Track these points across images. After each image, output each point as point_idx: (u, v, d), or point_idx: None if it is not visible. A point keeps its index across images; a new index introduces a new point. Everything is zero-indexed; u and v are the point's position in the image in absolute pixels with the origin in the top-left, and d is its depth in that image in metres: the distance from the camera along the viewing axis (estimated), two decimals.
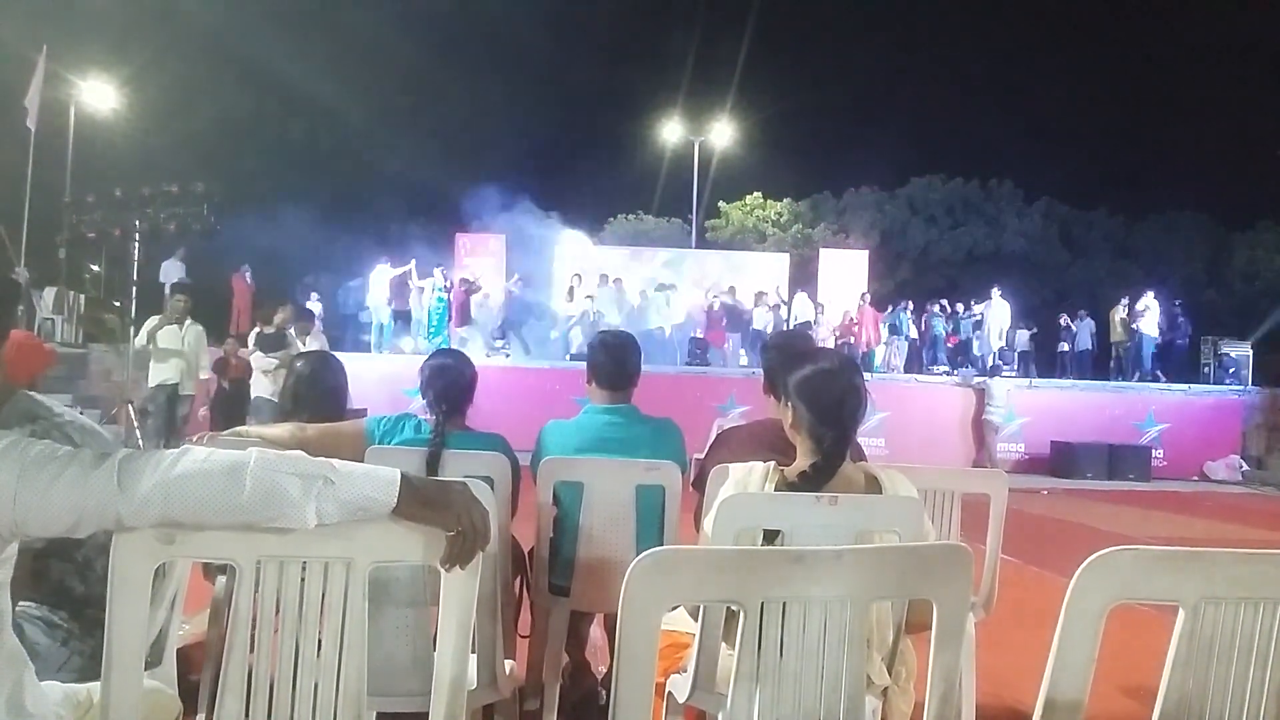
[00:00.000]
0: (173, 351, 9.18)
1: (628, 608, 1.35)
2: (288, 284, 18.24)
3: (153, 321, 9.29)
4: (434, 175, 29.55)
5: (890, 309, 19.37)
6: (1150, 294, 17.95)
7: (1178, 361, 18.12)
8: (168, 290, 16.70)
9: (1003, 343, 17.58)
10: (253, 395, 9.19)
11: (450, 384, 3.01)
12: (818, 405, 2.16)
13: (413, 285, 17.44)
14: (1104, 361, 18.54)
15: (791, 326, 16.67)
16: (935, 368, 17.42)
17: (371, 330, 17.18)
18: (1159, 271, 29.48)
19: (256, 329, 9.63)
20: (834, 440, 2.13)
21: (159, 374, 9.28)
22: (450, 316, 16.96)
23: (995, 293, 17.87)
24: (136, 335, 9.52)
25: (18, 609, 1.92)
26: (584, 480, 2.97)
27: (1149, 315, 17.48)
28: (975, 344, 18.11)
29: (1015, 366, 17.07)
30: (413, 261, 17.76)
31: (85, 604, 1.91)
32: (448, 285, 17.35)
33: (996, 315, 17.58)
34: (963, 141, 36.37)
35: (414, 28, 30.53)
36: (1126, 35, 41.58)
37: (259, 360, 9.20)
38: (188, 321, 9.46)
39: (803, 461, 2.17)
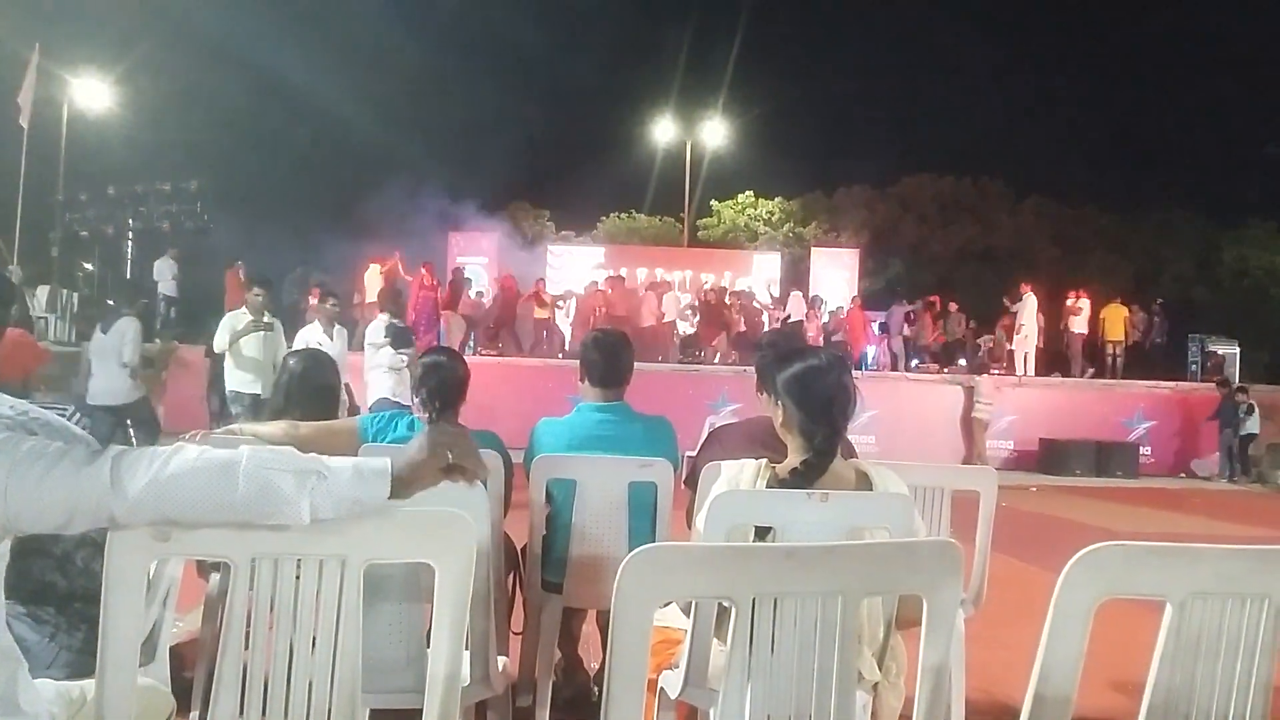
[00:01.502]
0: (257, 360, 7.95)
1: (620, 604, 1.35)
2: (280, 281, 18.17)
3: (237, 324, 7.93)
4: (427, 173, 29.54)
5: (889, 309, 19.37)
6: (1081, 292, 17.87)
7: (1159, 360, 18.15)
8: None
9: (1036, 341, 17.30)
10: (371, 395, 7.94)
11: (443, 382, 3.02)
12: (807, 403, 2.17)
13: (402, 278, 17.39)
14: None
15: (783, 325, 16.64)
16: (921, 366, 17.42)
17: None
18: (1149, 269, 29.61)
19: (387, 320, 8.40)
20: (824, 438, 2.14)
21: (240, 380, 8.02)
22: (438, 314, 16.98)
23: (1027, 290, 17.40)
24: (216, 334, 8.11)
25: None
26: (577, 478, 2.98)
27: (1081, 315, 17.54)
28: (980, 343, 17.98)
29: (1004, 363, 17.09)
30: (397, 254, 17.70)
31: (70, 598, 1.91)
32: (434, 283, 17.36)
33: (1029, 313, 17.33)
34: (954, 139, 36.51)
35: (407, 26, 30.55)
36: (1116, 34, 41.71)
37: (389, 357, 8.00)
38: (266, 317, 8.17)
39: (794, 459, 2.18)
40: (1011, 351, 17.30)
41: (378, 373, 8.00)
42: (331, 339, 8.14)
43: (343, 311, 9.53)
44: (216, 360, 12.16)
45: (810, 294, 19.28)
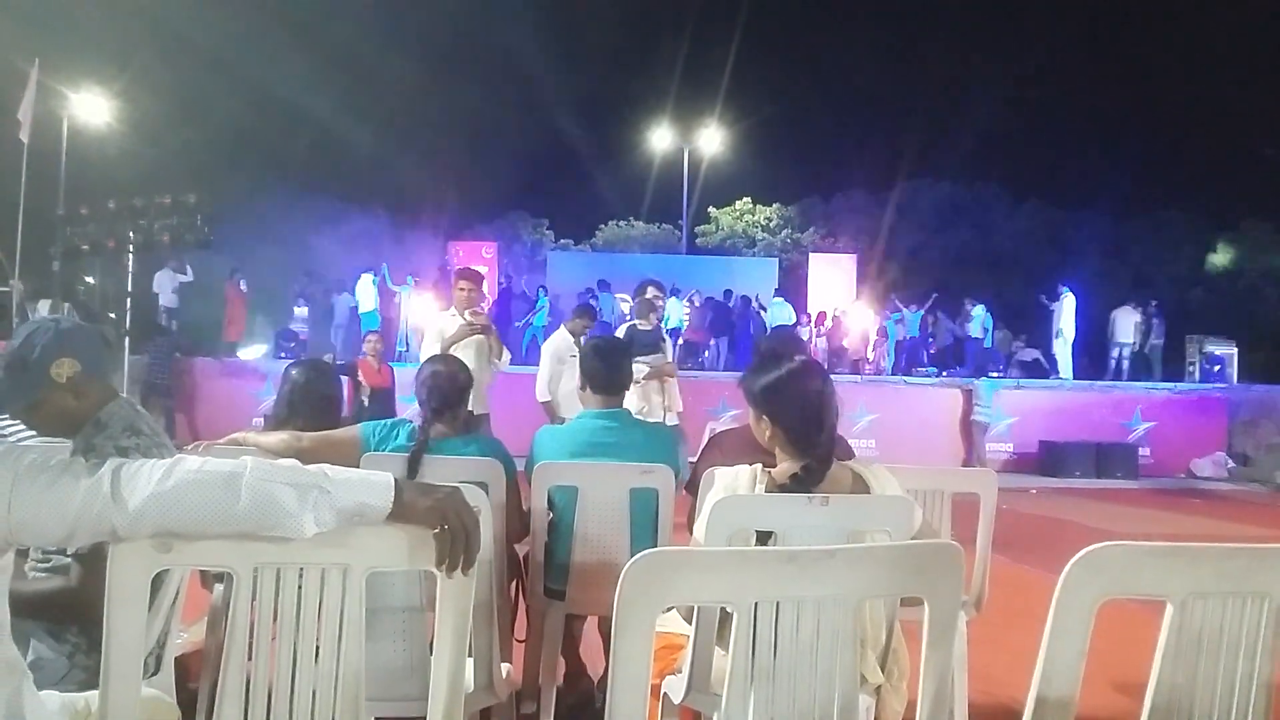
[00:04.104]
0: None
1: (622, 610, 1.36)
2: (282, 292, 18.19)
3: (446, 329, 6.41)
4: (426, 183, 29.58)
5: (889, 312, 19.39)
6: (976, 301, 18.27)
7: (1157, 362, 18.22)
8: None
9: (1068, 343, 17.34)
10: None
11: (450, 390, 3.04)
12: (799, 414, 2.17)
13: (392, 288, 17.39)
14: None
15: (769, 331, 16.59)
16: (919, 369, 17.44)
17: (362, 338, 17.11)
18: (1146, 271, 29.61)
19: (633, 323, 7.05)
20: (823, 444, 2.15)
21: None
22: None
23: (1065, 290, 17.40)
24: (424, 339, 6.73)
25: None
26: (578, 484, 2.98)
27: (975, 319, 17.91)
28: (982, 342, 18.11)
29: (1003, 367, 17.09)
30: (385, 266, 17.71)
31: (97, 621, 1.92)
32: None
33: (1067, 313, 17.31)
34: (950, 144, 36.41)
35: (405, 38, 30.57)
36: (1112, 37, 41.78)
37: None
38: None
39: (791, 465, 2.19)
40: (1037, 355, 17.45)
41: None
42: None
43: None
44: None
45: (807, 300, 19.29)
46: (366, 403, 9.21)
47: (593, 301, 15.06)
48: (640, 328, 6.86)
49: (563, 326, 7.33)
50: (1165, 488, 13.35)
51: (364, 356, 10.07)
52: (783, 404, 2.18)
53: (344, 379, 9.24)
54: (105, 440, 1.92)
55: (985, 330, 17.97)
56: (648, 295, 7.11)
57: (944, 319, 18.79)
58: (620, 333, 7.03)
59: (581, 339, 6.94)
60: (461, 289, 6.41)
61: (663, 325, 7.26)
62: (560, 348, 7.03)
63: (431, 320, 6.72)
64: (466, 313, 6.31)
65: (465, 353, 6.13)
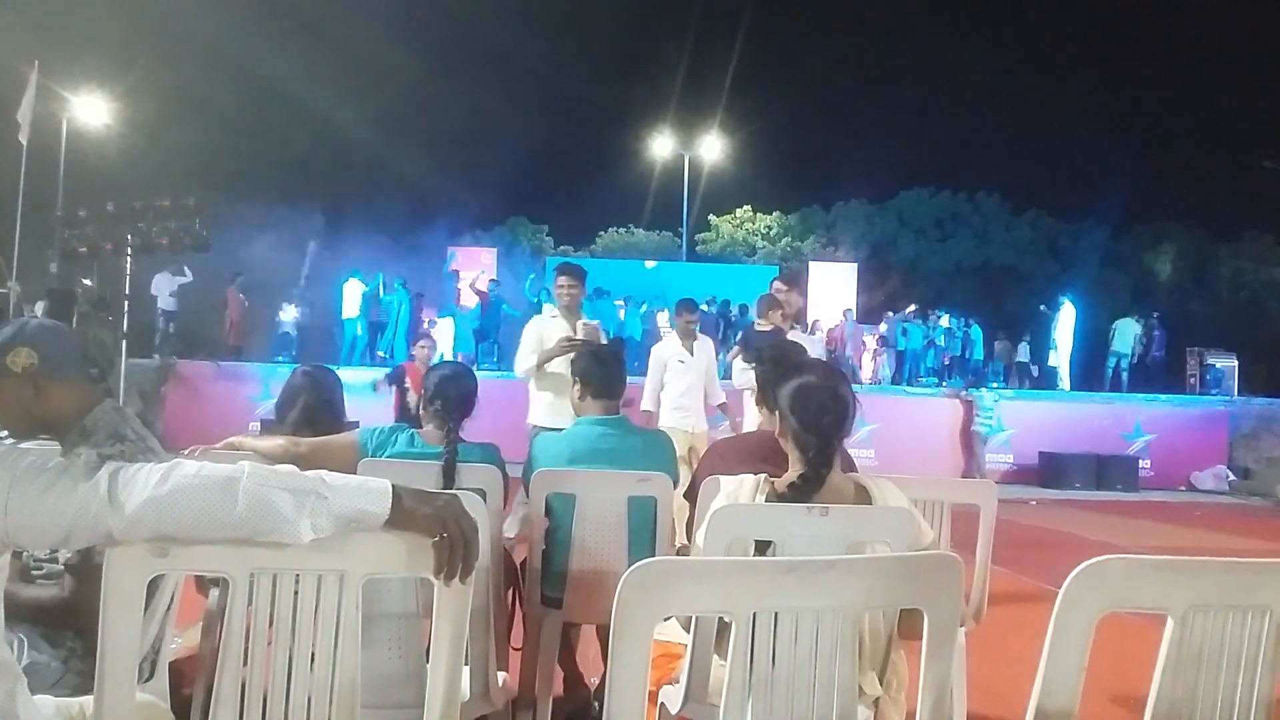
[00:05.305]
0: (564, 378, 4.83)
1: (620, 619, 1.35)
2: (281, 296, 18.22)
3: (547, 336, 5.36)
4: (426, 188, 29.63)
5: (885, 320, 19.45)
6: (941, 311, 19.09)
7: (1158, 373, 18.29)
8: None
9: (1063, 354, 17.53)
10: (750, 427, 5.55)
11: (460, 394, 3.03)
12: (804, 415, 2.18)
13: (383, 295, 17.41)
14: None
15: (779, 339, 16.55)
16: (920, 378, 17.48)
17: (344, 342, 17.12)
18: (1146, 282, 29.67)
19: (754, 322, 6.21)
20: (818, 449, 2.15)
21: (540, 410, 5.42)
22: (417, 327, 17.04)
23: (1064, 300, 17.66)
24: (520, 348, 5.58)
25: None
26: (576, 492, 2.97)
27: (939, 330, 18.65)
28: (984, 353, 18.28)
29: (1004, 378, 17.15)
30: (379, 276, 17.75)
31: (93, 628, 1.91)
32: (412, 297, 17.41)
33: (1064, 324, 17.52)
34: (951, 154, 36.51)
35: (408, 43, 30.59)
36: (1112, 48, 41.90)
37: (741, 373, 5.94)
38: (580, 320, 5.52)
39: (792, 472, 2.19)
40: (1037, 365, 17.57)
41: (747, 394, 5.77)
42: (692, 354, 6.31)
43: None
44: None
45: (808, 315, 19.34)
46: (414, 410, 9.18)
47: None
48: (759, 327, 5.89)
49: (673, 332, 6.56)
50: (1165, 500, 13.35)
51: (412, 361, 10.05)
52: (803, 408, 2.19)
53: (392, 386, 9.34)
54: (90, 449, 1.90)
55: (945, 337, 18.27)
56: (772, 289, 6.12)
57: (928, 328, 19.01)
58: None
59: (694, 344, 6.36)
60: (561, 286, 5.46)
61: (798, 326, 6.51)
62: (663, 355, 6.30)
63: (530, 326, 5.61)
64: (579, 324, 5.35)
65: (560, 367, 5.16)
